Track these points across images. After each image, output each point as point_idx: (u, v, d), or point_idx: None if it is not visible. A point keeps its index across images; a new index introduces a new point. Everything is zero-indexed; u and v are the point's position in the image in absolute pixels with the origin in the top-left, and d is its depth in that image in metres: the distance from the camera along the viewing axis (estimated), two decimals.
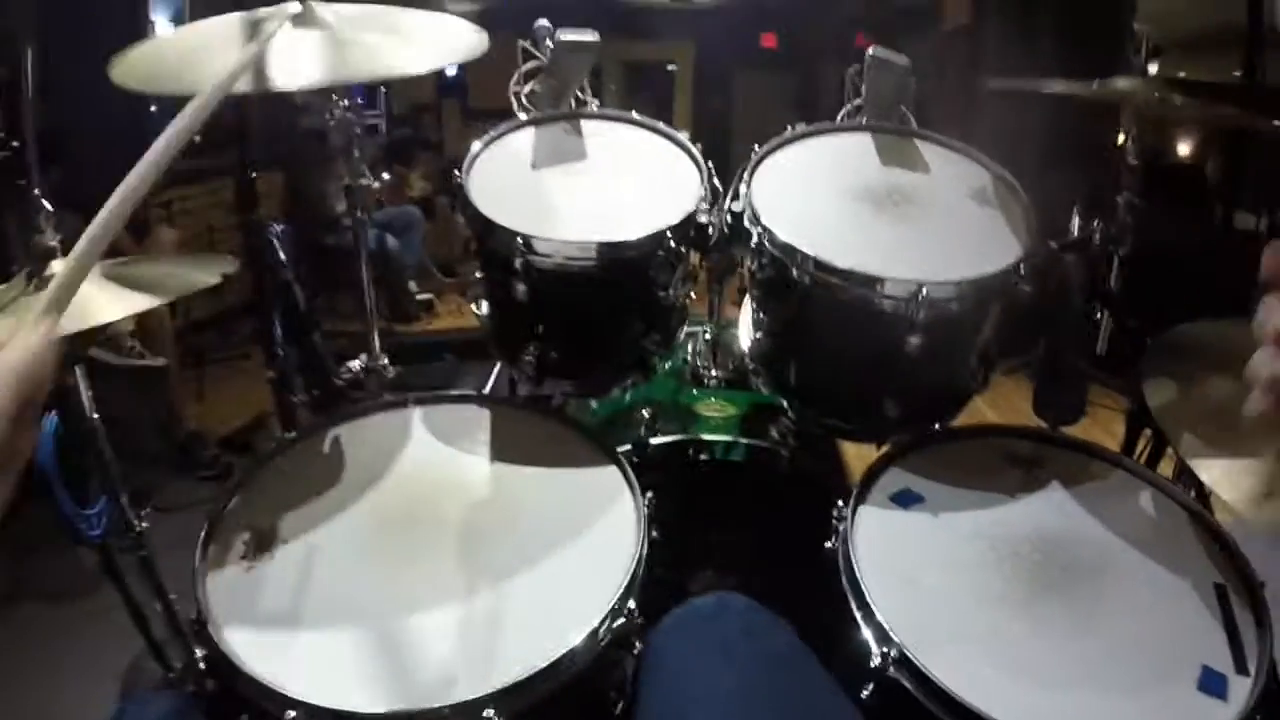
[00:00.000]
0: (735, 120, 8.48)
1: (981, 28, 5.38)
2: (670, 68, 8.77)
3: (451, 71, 8.68)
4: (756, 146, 1.48)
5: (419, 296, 5.35)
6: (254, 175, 2.48)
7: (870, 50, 1.59)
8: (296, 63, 1.22)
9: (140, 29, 4.91)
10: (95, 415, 1.52)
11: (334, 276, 3.72)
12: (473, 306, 1.53)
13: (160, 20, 5.34)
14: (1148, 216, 1.76)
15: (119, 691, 2.20)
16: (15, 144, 2.05)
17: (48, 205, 1.26)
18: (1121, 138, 1.87)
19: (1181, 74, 4.25)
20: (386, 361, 1.75)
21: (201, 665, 1.09)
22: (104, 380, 1.37)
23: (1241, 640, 1.04)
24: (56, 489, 1.92)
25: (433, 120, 7.39)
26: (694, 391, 1.69)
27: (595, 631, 1.01)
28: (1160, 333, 1.38)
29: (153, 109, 5.20)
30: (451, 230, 6.40)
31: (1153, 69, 1.79)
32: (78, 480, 1.93)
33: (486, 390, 1.87)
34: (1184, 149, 4.20)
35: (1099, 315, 1.89)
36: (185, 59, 1.27)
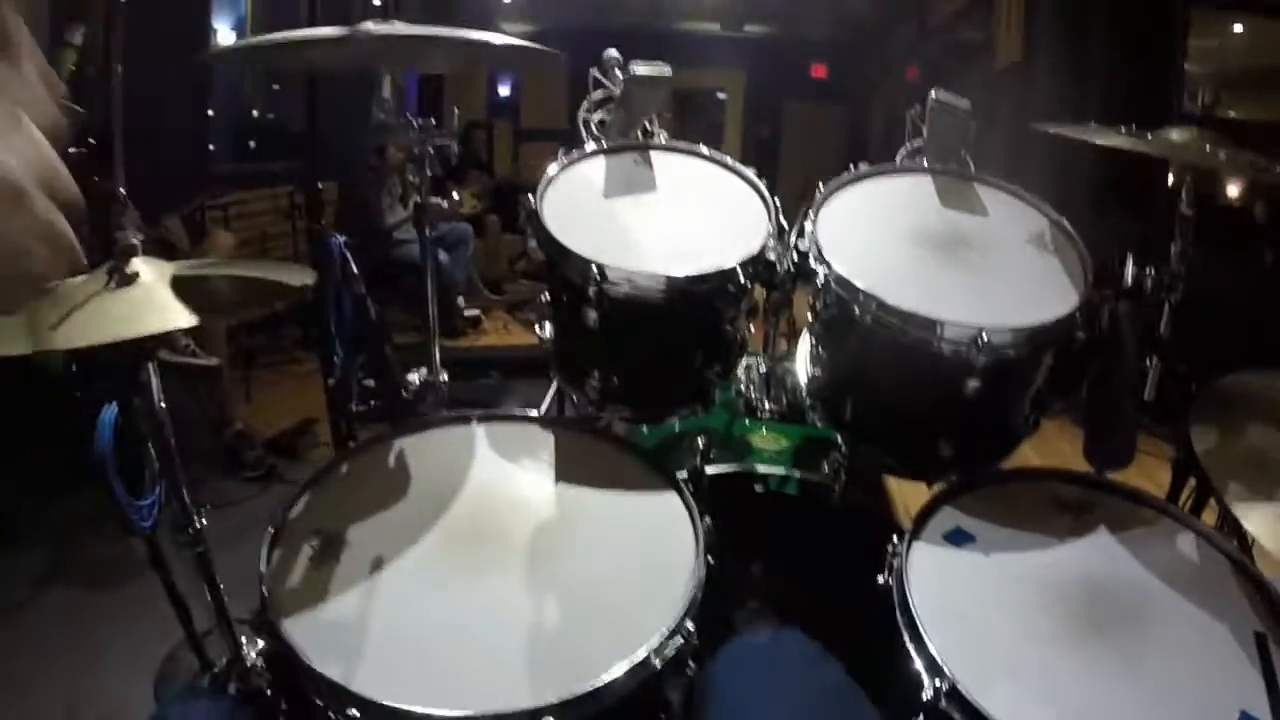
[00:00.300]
0: (783, 149, 8.53)
1: (1033, 66, 5.37)
2: (720, 95, 8.83)
3: (504, 91, 8.84)
4: (821, 185, 1.51)
5: (466, 312, 5.42)
6: (320, 186, 2.54)
7: (933, 93, 1.61)
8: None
9: (203, 37, 5.04)
10: (163, 407, 1.56)
11: (385, 289, 3.78)
12: (536, 329, 1.57)
13: (223, 28, 5.49)
14: (1199, 263, 1.76)
15: (154, 681, 2.24)
16: (91, 140, 2.11)
17: (131, 204, 1.29)
18: (1173, 181, 1.87)
19: (1232, 113, 4.24)
20: (445, 377, 1.79)
21: (259, 661, 1.12)
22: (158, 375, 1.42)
23: (1279, 688, 1.05)
24: (111, 478, 1.97)
25: (483, 138, 7.51)
26: (747, 422, 1.72)
27: (656, 650, 1.04)
28: (1208, 380, 1.39)
29: (210, 113, 5.37)
30: (500, 248, 6.50)
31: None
32: (132, 471, 1.97)
33: (542, 411, 1.90)
34: (1233, 191, 4.18)
35: (1149, 362, 1.89)
36: None
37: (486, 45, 1.43)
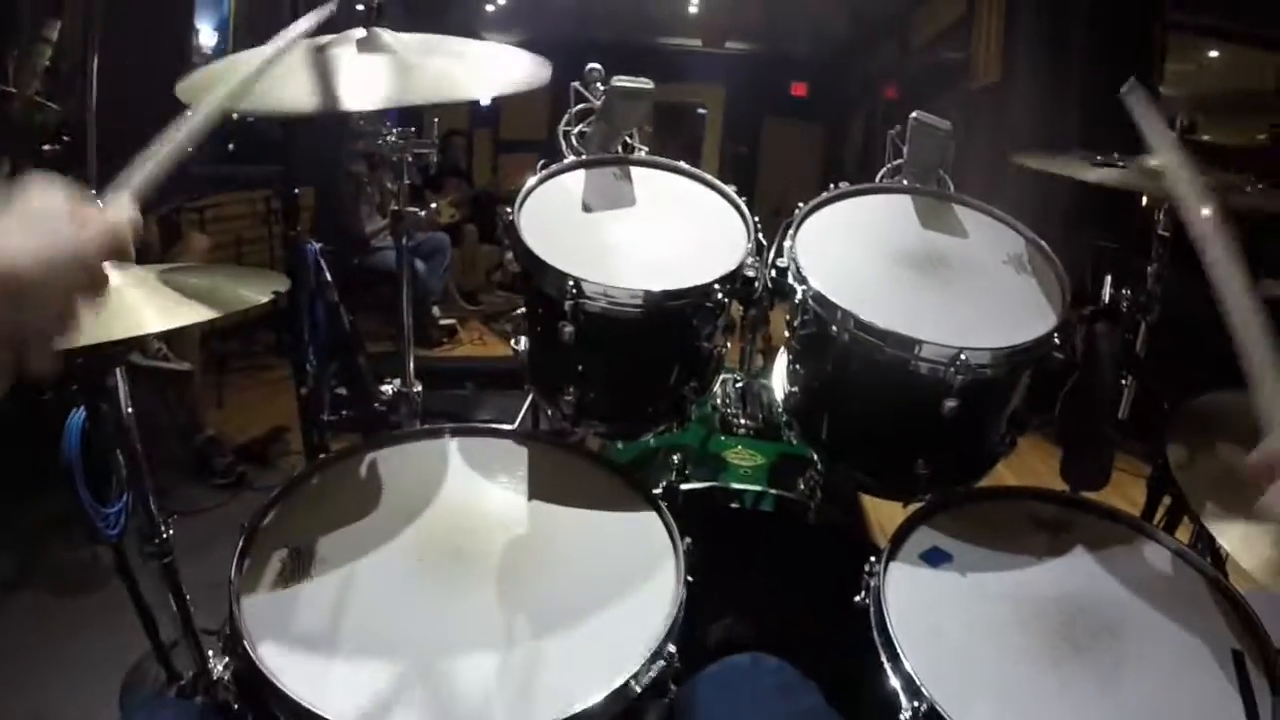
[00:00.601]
0: (761, 165, 8.58)
1: (1010, 87, 5.44)
2: (701, 111, 8.88)
3: (485, 101, 8.83)
4: (802, 204, 1.51)
5: (441, 322, 5.40)
6: (296, 191, 2.52)
7: (914, 115, 1.62)
8: (362, 85, 1.27)
9: (185, 37, 4.99)
10: (130, 413, 1.53)
11: (360, 297, 3.75)
12: (511, 343, 1.56)
13: (205, 29, 5.44)
14: (1174, 283, 1.78)
15: (119, 691, 2.20)
16: (65, 137, 2.08)
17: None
18: (1146, 201, 1.90)
19: (1207, 137, 4.30)
20: (420, 388, 1.77)
21: (227, 678, 1.10)
22: (129, 380, 1.39)
23: (1257, 706, 1.06)
24: (78, 484, 1.93)
25: (463, 145, 7.49)
26: (722, 438, 1.71)
27: (636, 675, 1.02)
28: (1183, 399, 1.40)
29: (189, 112, 5.30)
30: (477, 258, 6.49)
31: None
32: (99, 476, 1.94)
33: (517, 424, 1.88)
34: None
35: (1125, 381, 1.91)
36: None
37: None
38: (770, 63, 8.69)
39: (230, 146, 6.02)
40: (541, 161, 1.61)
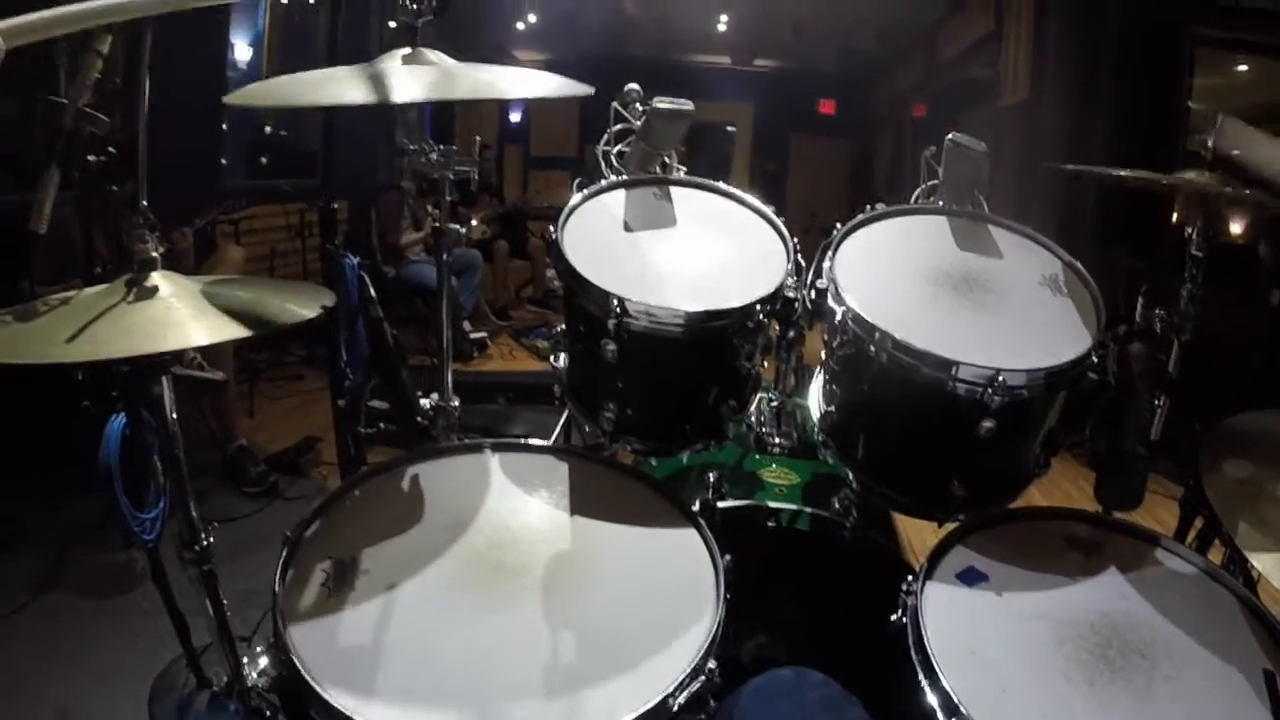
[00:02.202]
0: (789, 182, 8.60)
1: (1040, 103, 5.43)
2: (730, 128, 8.91)
3: (515, 117, 8.92)
4: (838, 224, 1.53)
5: (472, 335, 5.44)
6: (334, 205, 2.55)
7: (950, 136, 1.63)
8: (408, 84, 1.29)
9: (220, 52, 5.08)
10: (175, 420, 1.55)
11: (393, 310, 3.79)
12: (550, 360, 1.58)
13: (239, 44, 5.54)
14: (1206, 302, 1.78)
15: (149, 695, 2.23)
16: (111, 149, 2.11)
17: (152, 216, 1.28)
18: (1176, 218, 1.89)
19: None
20: (458, 402, 1.79)
21: (263, 685, 1.12)
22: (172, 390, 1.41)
23: None
24: (117, 490, 1.96)
25: (494, 161, 7.56)
26: (757, 457, 1.72)
27: (676, 690, 1.03)
28: (1215, 419, 1.40)
29: (224, 127, 5.40)
30: (507, 274, 6.53)
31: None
32: (136, 482, 1.97)
33: (554, 439, 1.90)
34: (1236, 228, 4.21)
35: (1158, 401, 1.91)
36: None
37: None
38: (798, 80, 8.72)
39: (263, 160, 6.13)
40: (579, 180, 1.63)
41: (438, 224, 1.71)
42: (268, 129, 6.38)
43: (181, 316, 1.13)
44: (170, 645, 1.99)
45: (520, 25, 8.16)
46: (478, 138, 1.72)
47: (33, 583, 2.71)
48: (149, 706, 2.21)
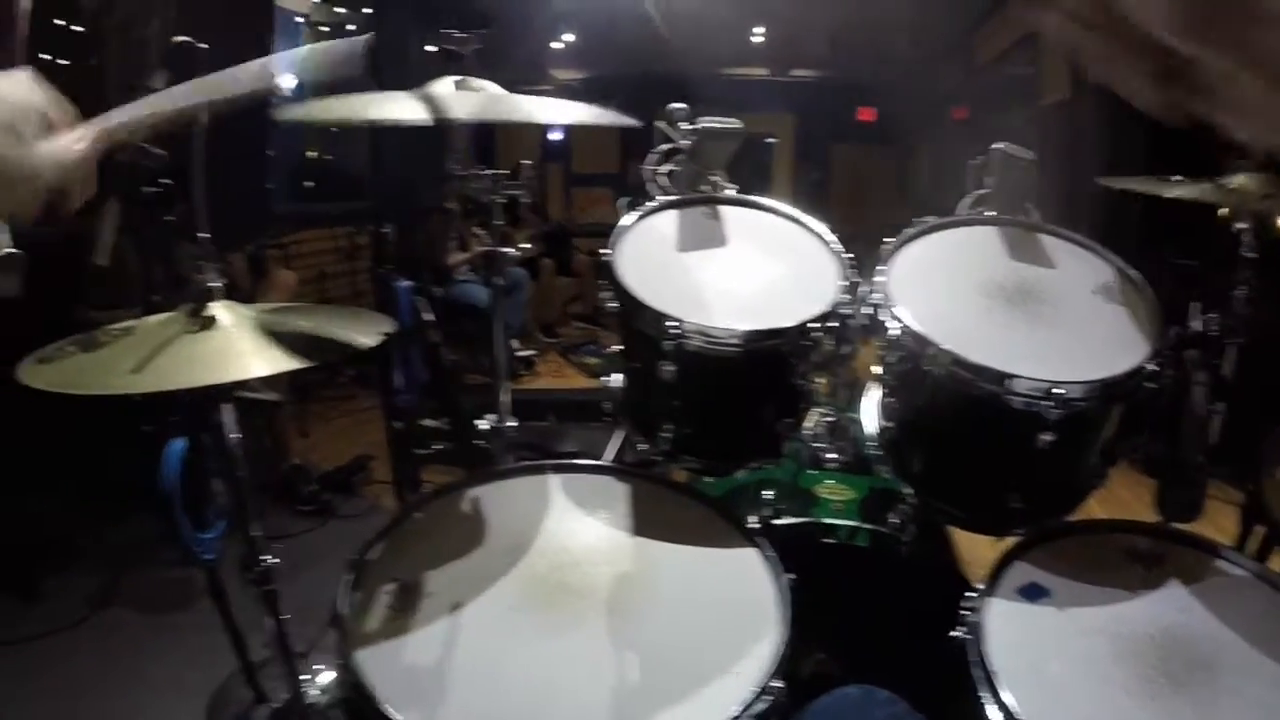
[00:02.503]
0: (832, 192, 8.55)
1: (1081, 103, 5.34)
2: (769, 140, 8.89)
3: (556, 136, 8.98)
4: (889, 239, 1.53)
5: (520, 353, 5.47)
6: (386, 230, 2.59)
7: (997, 145, 1.63)
8: (460, 104, 1.33)
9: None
10: (238, 443, 1.58)
11: (443, 330, 3.83)
12: (602, 379, 1.59)
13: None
14: (1262, 304, 1.76)
15: (206, 712, 2.26)
16: (165, 181, 2.16)
17: (211, 246, 1.31)
18: (1226, 218, 1.86)
19: None
20: (513, 422, 1.81)
21: (324, 703, 1.14)
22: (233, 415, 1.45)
23: None
24: (178, 511, 2.01)
25: (536, 178, 7.61)
26: (811, 473, 1.72)
27: (744, 711, 1.03)
28: (1275, 424, 1.38)
29: (270, 152, 5.50)
30: (553, 291, 6.57)
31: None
32: (195, 504, 2.01)
33: (608, 458, 1.90)
34: None
35: (1215, 408, 1.88)
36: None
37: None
38: (837, 88, 8.69)
39: (308, 184, 6.22)
40: (626, 199, 1.65)
41: (487, 247, 1.74)
42: (311, 154, 6.49)
43: (243, 347, 1.14)
44: (224, 660, 2.03)
45: (556, 45, 8.23)
46: (526, 161, 1.74)
47: (91, 598, 2.79)
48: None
